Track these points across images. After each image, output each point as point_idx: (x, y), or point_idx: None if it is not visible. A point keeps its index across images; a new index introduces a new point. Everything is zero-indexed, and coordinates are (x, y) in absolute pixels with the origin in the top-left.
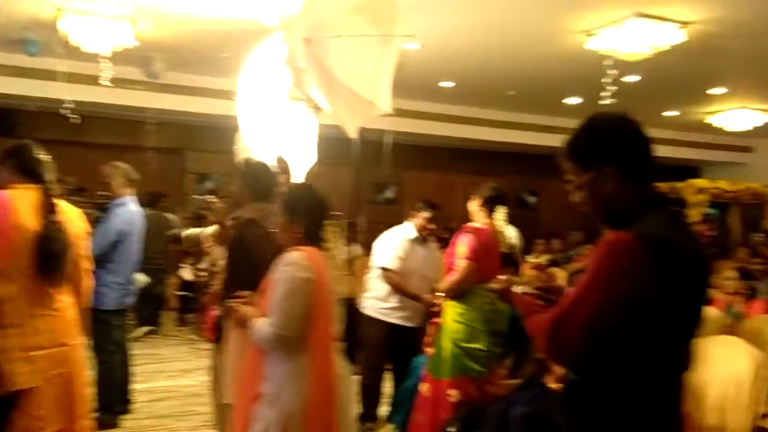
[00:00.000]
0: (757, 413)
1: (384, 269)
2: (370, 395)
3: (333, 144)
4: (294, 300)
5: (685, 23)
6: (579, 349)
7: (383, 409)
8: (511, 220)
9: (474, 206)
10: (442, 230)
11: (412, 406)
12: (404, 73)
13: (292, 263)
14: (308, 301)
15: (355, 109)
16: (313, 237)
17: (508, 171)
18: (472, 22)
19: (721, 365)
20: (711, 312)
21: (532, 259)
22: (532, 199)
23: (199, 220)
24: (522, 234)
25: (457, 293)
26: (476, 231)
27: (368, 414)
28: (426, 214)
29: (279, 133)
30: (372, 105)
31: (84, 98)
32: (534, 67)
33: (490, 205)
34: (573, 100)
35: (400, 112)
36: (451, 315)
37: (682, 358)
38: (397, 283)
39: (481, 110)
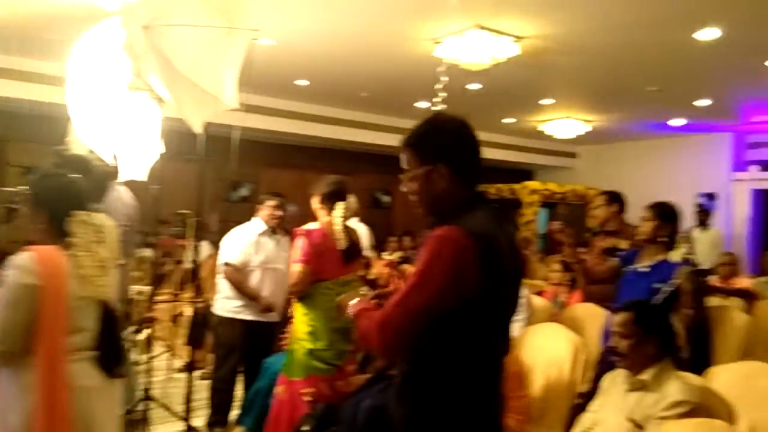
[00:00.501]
0: (575, 393)
1: (225, 264)
2: (220, 399)
3: (186, 139)
4: (13, 310)
5: (519, 37)
6: (408, 341)
7: (235, 413)
8: (367, 218)
9: (315, 203)
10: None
11: (263, 408)
12: (259, 70)
13: (17, 267)
14: (32, 310)
15: (200, 102)
16: (57, 231)
17: (364, 171)
18: (324, 23)
19: (545, 350)
20: (539, 302)
21: (386, 256)
22: (386, 199)
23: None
24: (375, 232)
25: (298, 295)
26: (308, 233)
27: (218, 419)
28: (272, 203)
29: (117, 124)
30: (217, 99)
31: None
32: (385, 70)
33: (330, 202)
34: (424, 104)
35: (256, 109)
36: (297, 315)
37: (502, 344)
38: (235, 279)
39: (337, 110)
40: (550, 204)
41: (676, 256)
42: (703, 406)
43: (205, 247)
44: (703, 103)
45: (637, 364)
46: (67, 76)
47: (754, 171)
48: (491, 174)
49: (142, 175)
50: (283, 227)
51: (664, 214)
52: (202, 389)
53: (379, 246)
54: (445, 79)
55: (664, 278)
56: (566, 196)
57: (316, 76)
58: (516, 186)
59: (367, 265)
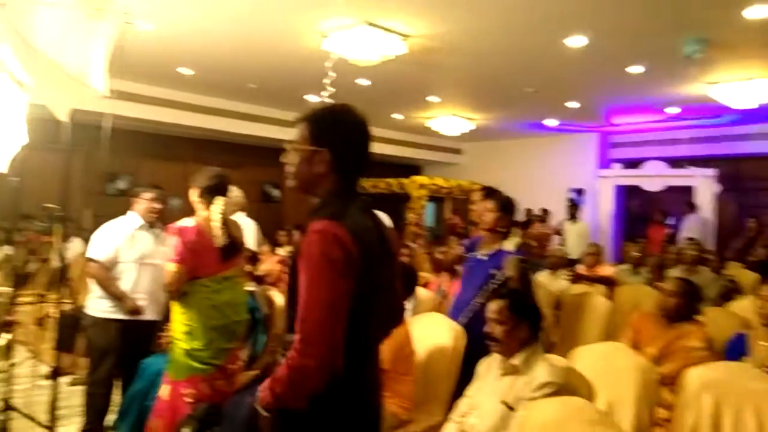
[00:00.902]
0: (455, 380)
1: (89, 260)
2: (95, 405)
3: (56, 128)
4: None
5: (406, 36)
6: (335, 346)
7: (110, 418)
8: (256, 212)
9: (193, 197)
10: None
11: (141, 411)
12: (138, 56)
13: None
14: None
15: (65, 87)
16: None
17: (252, 164)
18: (206, 9)
19: (428, 339)
20: (424, 293)
21: (281, 251)
22: (276, 192)
23: None
24: (264, 226)
25: (172, 295)
26: (181, 231)
27: (93, 427)
28: (149, 195)
29: None
30: (84, 85)
31: None
32: (273, 62)
33: (209, 196)
34: (313, 98)
35: (134, 97)
36: (174, 315)
37: (378, 332)
38: (99, 276)
39: (224, 101)
40: (437, 198)
41: (510, 245)
42: (567, 386)
43: (76, 245)
44: (574, 105)
45: (510, 348)
46: None
47: (616, 168)
48: (381, 168)
49: (2, 167)
50: (162, 221)
51: (505, 206)
52: (74, 396)
53: (269, 241)
54: (333, 74)
55: (498, 265)
56: (452, 190)
57: (201, 65)
58: (405, 180)
59: (254, 260)
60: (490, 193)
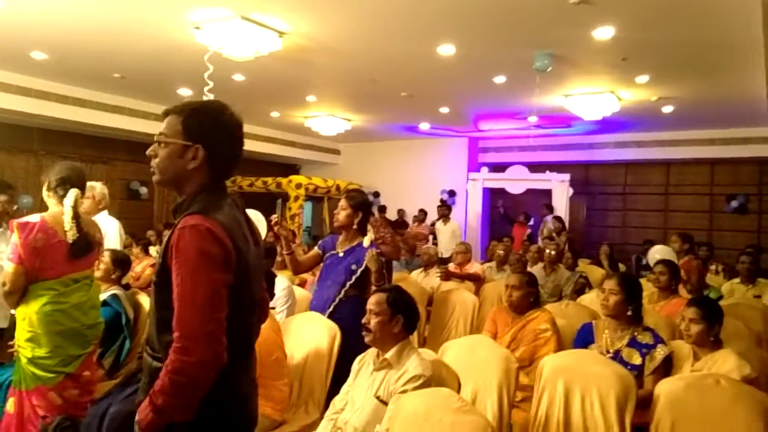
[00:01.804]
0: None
1: None
2: None
3: None
4: None
5: (282, 33)
6: (218, 340)
7: None
8: (122, 210)
9: (44, 192)
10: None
11: None
12: None
13: None
14: None
15: None
16: None
17: (119, 159)
18: None
19: (305, 338)
20: (301, 292)
21: (153, 252)
22: (144, 190)
23: None
24: (132, 225)
25: (11, 298)
26: (23, 227)
27: None
28: (2, 198)
29: None
30: None
31: None
32: (142, 51)
33: (61, 189)
34: (186, 92)
35: None
36: (17, 321)
37: (251, 329)
38: None
39: (86, 90)
40: (315, 197)
41: (366, 241)
42: (435, 378)
43: None
44: (446, 110)
45: (384, 340)
46: None
47: (484, 172)
48: (258, 166)
49: None
50: (7, 219)
51: (358, 204)
52: None
53: (137, 241)
54: (210, 66)
55: (357, 260)
56: (330, 190)
57: (57, 50)
58: (282, 180)
59: (123, 264)
60: (349, 198)
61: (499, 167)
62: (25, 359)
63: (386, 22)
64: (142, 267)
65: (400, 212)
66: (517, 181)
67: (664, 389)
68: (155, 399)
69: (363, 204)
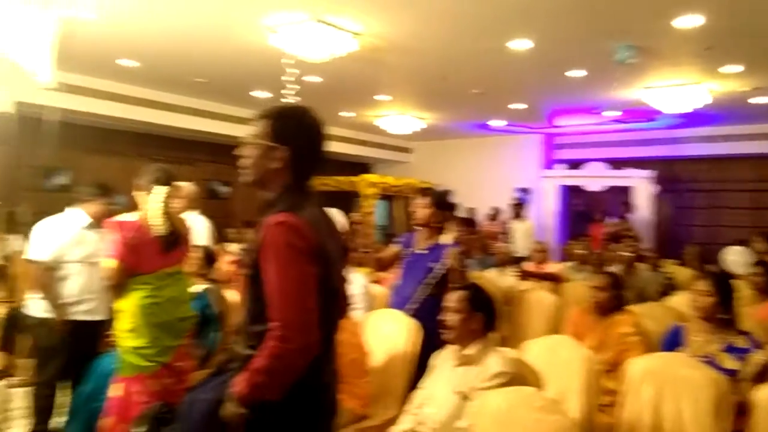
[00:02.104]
0: (410, 374)
1: (32, 261)
2: (42, 407)
3: None
4: None
5: (357, 34)
6: (313, 328)
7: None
8: (203, 209)
9: (137, 193)
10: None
11: (92, 413)
12: (78, 46)
13: None
14: None
15: (9, 79)
16: None
17: (199, 160)
18: (162, 3)
19: (384, 334)
20: (378, 290)
21: (229, 248)
22: (224, 189)
23: None
24: (213, 224)
25: (113, 292)
26: (120, 226)
27: (39, 428)
28: (105, 200)
29: None
30: (31, 76)
31: None
32: (220, 56)
33: (153, 190)
34: (261, 94)
35: (72, 89)
36: (118, 313)
37: (331, 323)
38: (41, 278)
39: (170, 95)
40: (387, 196)
41: (446, 239)
42: (518, 376)
43: (17, 241)
44: (518, 106)
45: (463, 338)
46: None
47: (560, 169)
48: (330, 166)
49: None
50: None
51: (439, 202)
52: (18, 398)
53: (219, 238)
54: (294, 71)
55: (436, 258)
56: (402, 188)
57: (146, 57)
58: (354, 179)
59: (210, 260)
60: (425, 193)
61: (575, 164)
62: (128, 348)
63: (458, 18)
64: (224, 263)
65: (470, 210)
66: (595, 179)
67: (763, 396)
68: (252, 376)
69: (443, 201)
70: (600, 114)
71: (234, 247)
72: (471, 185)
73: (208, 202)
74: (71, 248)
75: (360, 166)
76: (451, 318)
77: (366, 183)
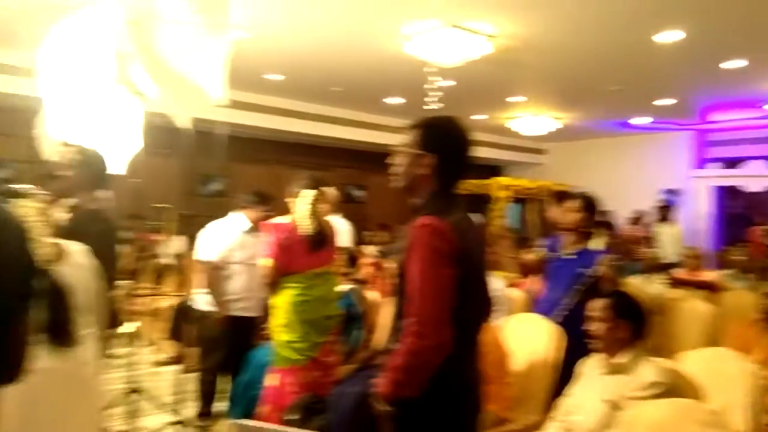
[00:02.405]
0: (553, 380)
1: (202, 261)
2: (205, 392)
3: (154, 133)
4: None
5: (492, 36)
6: (446, 326)
7: (221, 405)
8: (340, 212)
9: (289, 198)
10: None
11: (250, 399)
12: (230, 63)
13: None
14: None
15: (187, 97)
16: None
17: (336, 165)
18: (300, 16)
19: (523, 339)
20: (515, 293)
21: (366, 250)
22: (359, 193)
23: None
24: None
25: (268, 289)
26: (276, 227)
27: (205, 411)
28: (263, 206)
29: (95, 117)
30: (205, 94)
31: None
32: (357, 65)
33: (302, 195)
34: (394, 100)
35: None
36: (273, 309)
37: (475, 323)
38: (210, 277)
39: (308, 104)
40: (519, 199)
41: (596, 244)
42: (675, 387)
43: (181, 242)
44: (665, 102)
45: (610, 347)
46: (40, 67)
47: (714, 168)
48: None
49: (121, 169)
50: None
51: (589, 206)
52: (184, 382)
53: (357, 241)
54: (437, 78)
55: (586, 264)
56: (536, 192)
57: (290, 71)
58: (486, 182)
59: (353, 261)
60: (561, 195)
61: (731, 163)
62: (280, 343)
63: (598, 13)
64: (362, 264)
65: (607, 213)
66: (756, 178)
67: None
68: (391, 373)
69: (592, 205)
70: (761, 107)
71: (371, 249)
72: (611, 187)
73: (344, 206)
74: (234, 250)
75: (491, 169)
76: (596, 327)
77: (498, 186)
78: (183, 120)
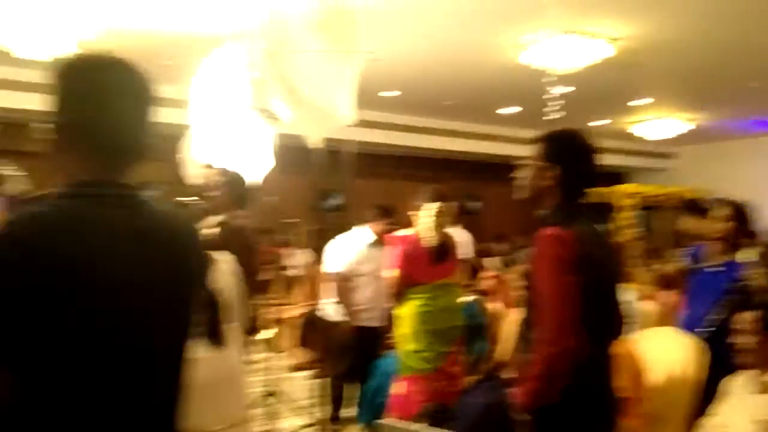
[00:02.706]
0: (693, 397)
1: (330, 273)
2: (335, 397)
3: (283, 153)
4: None
5: (614, 39)
6: (574, 332)
7: (350, 411)
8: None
9: (412, 211)
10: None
11: (378, 406)
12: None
13: None
14: None
15: (319, 119)
16: None
17: (450, 177)
18: (417, 34)
19: (659, 353)
20: (648, 306)
21: (487, 262)
22: (475, 205)
23: None
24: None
25: (395, 299)
26: (401, 240)
27: (334, 416)
28: (387, 220)
29: (234, 140)
30: (335, 116)
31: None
32: (470, 78)
33: (425, 208)
34: (509, 110)
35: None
36: (398, 319)
37: (608, 331)
38: (340, 287)
39: (422, 119)
40: (647, 207)
41: (746, 255)
42: None
43: (308, 255)
44: None
45: (762, 363)
46: (191, 97)
47: None
48: None
49: (256, 181)
50: None
51: (739, 215)
52: (315, 388)
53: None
54: (559, 89)
55: (735, 278)
56: (664, 199)
57: (406, 87)
58: (608, 189)
59: (475, 272)
60: (696, 204)
61: None
62: (406, 352)
63: (731, 4)
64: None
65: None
66: None
67: None
68: (530, 384)
69: (743, 214)
70: None
71: (488, 261)
72: (748, 192)
73: (460, 218)
74: (361, 263)
75: (614, 176)
76: (745, 341)
77: (622, 194)
78: (314, 140)
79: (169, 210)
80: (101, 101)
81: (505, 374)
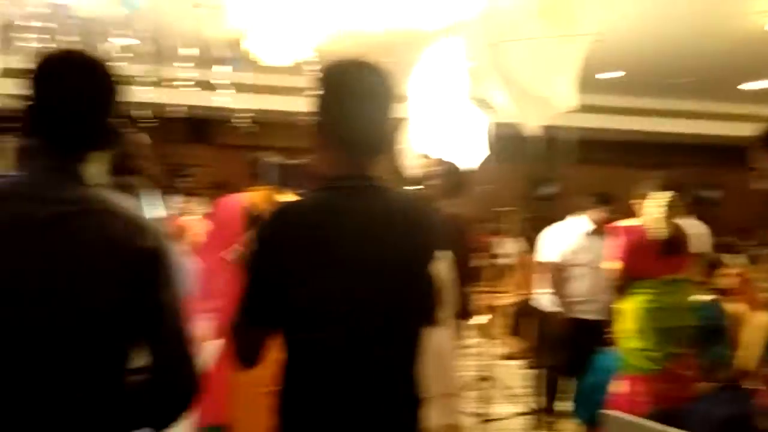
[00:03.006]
0: None
1: (546, 262)
2: (548, 389)
3: (494, 141)
4: None
5: None
6: None
7: (563, 404)
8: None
9: (635, 200)
10: None
11: (597, 402)
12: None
13: None
14: None
15: (538, 107)
16: None
17: (678, 163)
18: (646, 9)
19: None
20: None
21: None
22: (712, 194)
23: None
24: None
25: (618, 292)
26: (626, 231)
27: (547, 408)
28: (606, 208)
29: (451, 130)
30: (554, 102)
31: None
32: (706, 52)
33: (657, 197)
34: (754, 85)
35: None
36: (622, 314)
37: None
38: (555, 277)
39: (647, 99)
40: None
41: None
42: None
43: (519, 243)
44: None
45: None
46: (409, 92)
47: None
48: None
49: (474, 166)
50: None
51: None
52: (527, 377)
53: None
54: None
55: None
56: None
57: (630, 67)
58: None
59: (713, 267)
60: None
61: None
62: (629, 349)
63: None
64: (721, 274)
65: None
66: None
67: None
68: None
69: None
70: None
71: (729, 257)
72: None
73: (694, 208)
74: (577, 252)
75: None
76: None
77: None
78: (531, 128)
79: (408, 198)
80: (350, 103)
81: (748, 384)
